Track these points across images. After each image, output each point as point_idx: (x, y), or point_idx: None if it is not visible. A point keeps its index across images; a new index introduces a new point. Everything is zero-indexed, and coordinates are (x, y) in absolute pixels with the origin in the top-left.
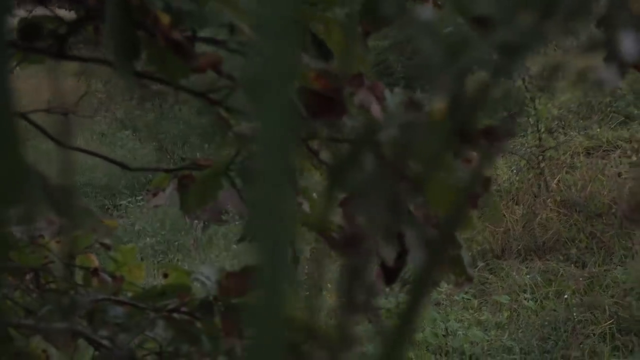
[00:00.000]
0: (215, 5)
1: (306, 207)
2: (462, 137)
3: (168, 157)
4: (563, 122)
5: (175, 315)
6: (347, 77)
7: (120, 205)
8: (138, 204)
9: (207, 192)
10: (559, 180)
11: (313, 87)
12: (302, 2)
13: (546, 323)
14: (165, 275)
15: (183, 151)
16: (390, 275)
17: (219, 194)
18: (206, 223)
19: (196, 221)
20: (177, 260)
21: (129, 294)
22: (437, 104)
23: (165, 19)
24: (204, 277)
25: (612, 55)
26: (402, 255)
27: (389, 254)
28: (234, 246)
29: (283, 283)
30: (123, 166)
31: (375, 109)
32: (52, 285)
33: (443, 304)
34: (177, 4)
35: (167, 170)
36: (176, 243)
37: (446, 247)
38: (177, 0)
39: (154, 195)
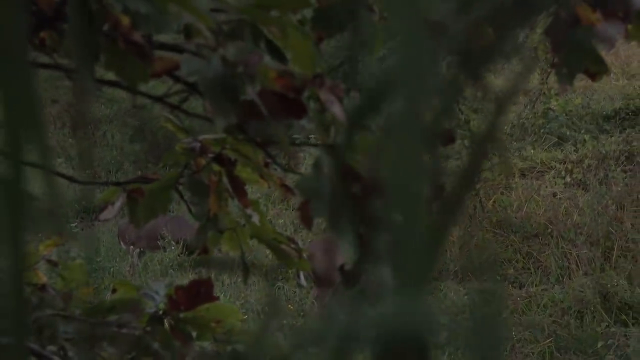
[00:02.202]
0: (173, 8)
1: (256, 219)
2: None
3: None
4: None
5: (125, 330)
6: (307, 78)
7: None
8: (72, 230)
9: (157, 204)
10: (494, 201)
11: (274, 87)
12: (257, 7)
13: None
14: (114, 291)
15: (116, 178)
16: (348, 277)
17: (167, 207)
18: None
19: (132, 247)
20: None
21: (78, 311)
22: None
23: (125, 20)
24: (153, 291)
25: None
26: (362, 259)
27: (348, 256)
28: (171, 271)
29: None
30: (72, 180)
31: (337, 109)
32: None
33: None
34: (135, 7)
35: (116, 184)
36: (111, 269)
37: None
38: (135, 3)
39: (103, 209)
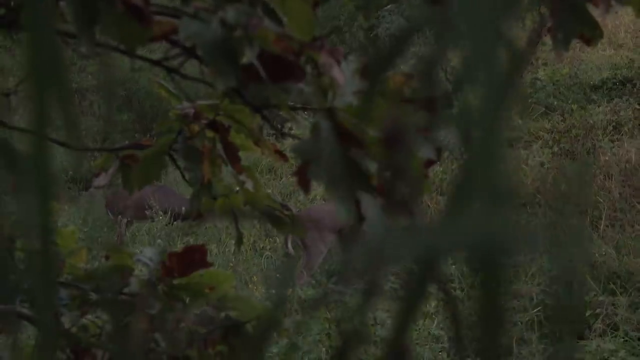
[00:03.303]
0: None
1: (249, 186)
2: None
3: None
4: None
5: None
6: (306, 42)
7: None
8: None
9: (151, 170)
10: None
11: (273, 50)
12: None
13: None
14: (107, 258)
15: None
16: (346, 242)
17: (161, 173)
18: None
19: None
20: (101, 257)
21: (70, 277)
22: (393, 73)
23: None
24: (146, 258)
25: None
26: (359, 223)
27: (346, 220)
28: (159, 242)
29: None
30: (66, 145)
31: (337, 72)
32: None
33: None
34: None
35: (110, 150)
36: (99, 239)
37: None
38: None
39: (97, 175)
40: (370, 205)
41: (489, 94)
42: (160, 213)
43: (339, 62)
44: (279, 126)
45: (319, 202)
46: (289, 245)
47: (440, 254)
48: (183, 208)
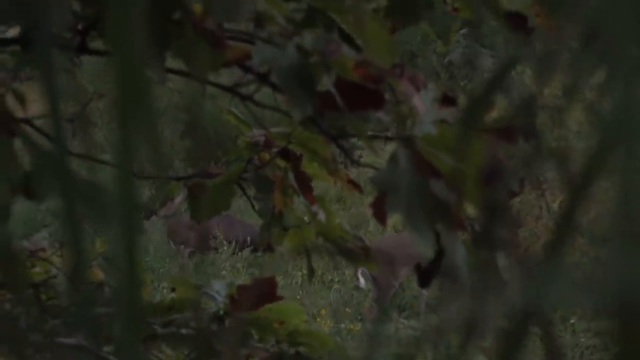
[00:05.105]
0: None
1: (322, 217)
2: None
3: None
4: None
5: (184, 330)
6: (385, 68)
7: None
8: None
9: (220, 200)
10: (561, 201)
11: (351, 77)
12: None
13: None
14: (173, 290)
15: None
16: (425, 277)
17: (230, 202)
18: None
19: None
20: (163, 288)
21: None
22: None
23: (197, 8)
24: (214, 291)
25: None
26: (437, 256)
27: (425, 253)
28: (224, 273)
29: None
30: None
31: (417, 101)
32: (54, 301)
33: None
34: None
35: (177, 179)
36: (161, 270)
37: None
38: None
39: (164, 204)
40: (450, 238)
41: None
42: (225, 243)
43: (418, 90)
44: (352, 155)
45: (390, 233)
46: (360, 278)
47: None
48: (248, 238)
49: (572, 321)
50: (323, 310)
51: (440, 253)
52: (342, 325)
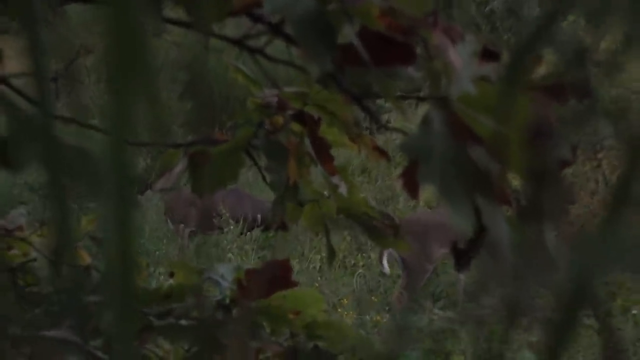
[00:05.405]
0: None
1: (343, 190)
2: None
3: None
4: None
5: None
6: (416, 18)
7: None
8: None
9: (226, 170)
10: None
11: (377, 28)
12: None
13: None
14: (171, 275)
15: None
16: (462, 258)
17: (238, 173)
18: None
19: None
20: (159, 274)
21: None
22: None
23: None
24: (218, 275)
25: None
26: (478, 235)
27: (463, 232)
28: (230, 256)
29: None
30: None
31: (453, 55)
32: (34, 288)
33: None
34: None
35: (176, 146)
36: (157, 253)
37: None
38: None
39: (160, 177)
40: (492, 213)
41: None
42: (231, 222)
43: (454, 43)
44: (378, 118)
45: (422, 209)
46: (385, 262)
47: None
48: (259, 215)
49: (634, 312)
50: (345, 299)
51: (480, 231)
52: (367, 317)
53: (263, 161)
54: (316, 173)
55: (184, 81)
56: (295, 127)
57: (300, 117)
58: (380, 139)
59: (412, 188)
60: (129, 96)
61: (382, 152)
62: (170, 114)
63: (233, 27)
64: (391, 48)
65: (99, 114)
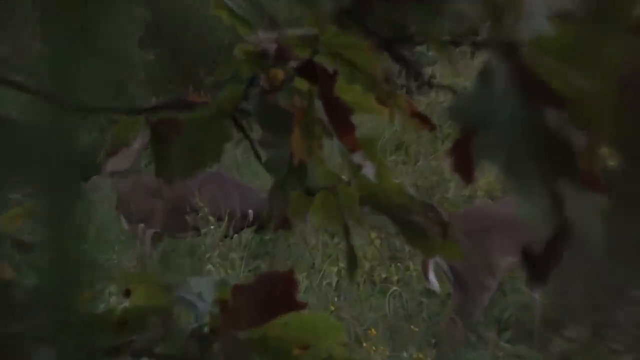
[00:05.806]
0: None
1: (370, 172)
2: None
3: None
4: None
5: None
6: None
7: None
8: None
9: (204, 146)
10: None
11: None
12: None
13: None
14: (127, 293)
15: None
16: (538, 269)
17: (221, 150)
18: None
19: (142, 226)
20: (110, 293)
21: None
22: None
23: None
24: (194, 294)
25: None
26: (559, 236)
27: (539, 231)
28: (209, 268)
29: None
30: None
31: None
32: None
33: None
34: None
35: (134, 112)
36: (108, 263)
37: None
38: None
39: (111, 154)
40: (579, 204)
41: None
42: (212, 220)
43: None
44: (418, 72)
45: (481, 199)
46: (431, 275)
47: None
48: (250, 210)
49: None
50: (373, 329)
51: (563, 229)
52: (405, 354)
53: (256, 133)
54: (331, 149)
55: (146, 20)
56: (302, 84)
57: (308, 70)
58: (422, 102)
59: (466, 169)
60: (69, 41)
61: (423, 120)
62: (126, 67)
63: None
64: None
65: (26, 67)
